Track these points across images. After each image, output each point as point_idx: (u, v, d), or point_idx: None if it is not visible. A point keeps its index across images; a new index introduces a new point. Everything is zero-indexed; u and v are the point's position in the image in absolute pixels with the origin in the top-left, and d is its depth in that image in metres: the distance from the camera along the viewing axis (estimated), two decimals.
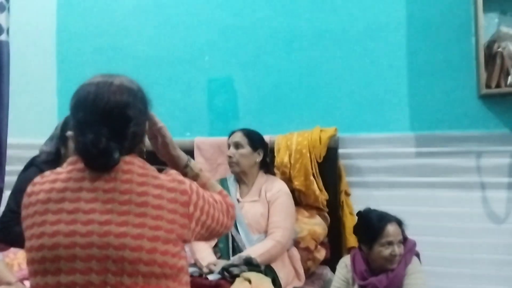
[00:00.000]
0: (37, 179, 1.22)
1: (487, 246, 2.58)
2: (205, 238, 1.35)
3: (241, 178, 2.46)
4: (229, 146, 2.46)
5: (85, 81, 1.25)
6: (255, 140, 2.45)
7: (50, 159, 2.21)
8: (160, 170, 1.26)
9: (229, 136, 2.50)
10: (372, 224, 2.17)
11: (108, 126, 1.17)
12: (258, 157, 2.44)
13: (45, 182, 1.19)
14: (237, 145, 2.42)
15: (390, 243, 2.12)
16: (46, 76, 3.34)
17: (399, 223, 2.17)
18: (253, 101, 3.03)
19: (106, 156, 1.16)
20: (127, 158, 1.20)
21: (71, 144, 2.11)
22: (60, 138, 2.24)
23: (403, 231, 2.18)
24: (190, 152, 2.93)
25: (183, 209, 1.20)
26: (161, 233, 1.14)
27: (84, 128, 1.18)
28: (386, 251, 2.12)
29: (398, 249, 2.12)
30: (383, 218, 2.17)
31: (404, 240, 2.19)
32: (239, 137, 2.44)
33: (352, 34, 2.83)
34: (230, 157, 2.42)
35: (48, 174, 1.22)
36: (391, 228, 2.14)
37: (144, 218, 1.13)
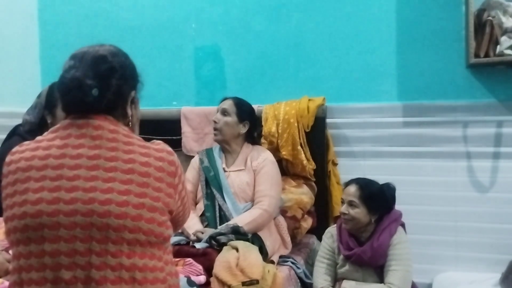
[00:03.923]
0: (16, 148, 1.20)
1: (471, 214, 2.63)
2: (179, 217, 1.33)
3: (225, 147, 2.44)
4: (217, 111, 2.44)
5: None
6: (243, 111, 2.42)
7: (33, 129, 2.16)
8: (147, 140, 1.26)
9: (220, 102, 2.48)
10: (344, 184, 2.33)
11: (93, 70, 1.19)
12: (243, 129, 2.42)
13: (25, 151, 1.17)
14: (224, 112, 2.39)
15: (342, 201, 2.23)
16: (28, 42, 3.26)
17: (362, 188, 2.18)
18: (241, 70, 2.99)
19: (86, 91, 1.17)
20: (112, 126, 1.19)
21: (59, 113, 2.06)
22: (46, 106, 2.18)
23: (373, 201, 2.17)
24: (176, 122, 2.92)
25: (170, 178, 1.20)
26: (146, 200, 1.13)
27: (71, 69, 1.20)
28: (340, 208, 2.22)
29: (345, 208, 2.17)
30: (353, 179, 2.25)
31: (389, 210, 2.21)
32: (228, 104, 2.41)
33: (341, 3, 2.79)
34: (215, 122, 2.40)
35: (28, 143, 1.20)
36: (348, 187, 2.22)
37: (130, 185, 1.12)
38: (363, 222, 2.16)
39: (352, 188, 2.19)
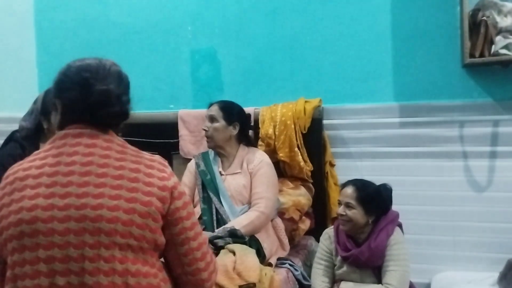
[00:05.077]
0: (16, 164, 1.22)
1: (468, 213, 2.63)
2: (175, 239, 1.24)
3: (219, 152, 2.44)
4: (206, 119, 2.44)
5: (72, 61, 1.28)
6: (230, 113, 2.41)
7: (30, 135, 2.16)
8: None
9: (207, 109, 2.48)
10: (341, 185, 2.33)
11: (121, 84, 1.24)
12: (234, 131, 2.41)
13: (23, 163, 1.20)
14: (212, 119, 2.39)
15: (339, 203, 2.23)
16: (25, 47, 3.26)
17: (359, 190, 2.17)
18: (237, 72, 2.99)
19: (123, 104, 1.22)
20: (107, 136, 1.22)
21: (55, 118, 2.07)
22: (42, 112, 2.18)
23: (370, 202, 2.17)
24: (174, 125, 2.93)
25: (162, 182, 1.21)
26: (137, 205, 1.15)
27: (95, 81, 1.20)
28: (337, 209, 2.22)
29: (343, 210, 2.17)
30: (351, 180, 2.25)
31: (386, 211, 2.22)
32: (214, 110, 2.41)
33: (336, 4, 2.79)
34: (205, 130, 2.40)
35: (28, 157, 1.23)
36: (345, 188, 2.22)
37: (120, 191, 1.14)
38: (361, 223, 2.17)
39: (349, 190, 2.20)
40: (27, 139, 2.11)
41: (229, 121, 2.39)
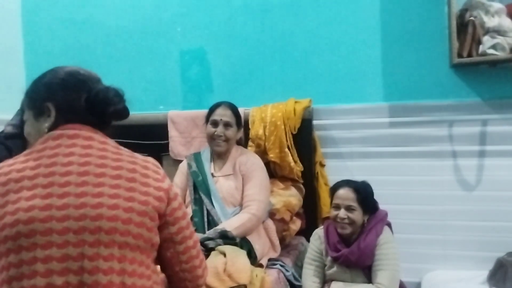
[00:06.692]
0: (2, 163, 1.20)
1: (458, 212, 2.65)
2: (174, 238, 1.27)
3: (220, 155, 2.42)
4: (212, 122, 2.39)
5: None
6: (239, 117, 2.44)
7: (14, 132, 2.11)
8: None
9: (213, 111, 2.42)
10: (331, 188, 2.29)
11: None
12: (239, 134, 2.45)
13: (15, 163, 1.18)
14: (227, 125, 2.37)
15: (337, 206, 2.19)
16: (12, 48, 3.23)
17: (357, 191, 2.17)
18: (227, 73, 2.99)
19: (125, 102, 1.25)
20: (102, 139, 1.23)
21: None
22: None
23: (368, 202, 2.18)
24: (164, 126, 2.91)
25: (157, 183, 1.23)
26: (135, 204, 1.16)
27: (93, 81, 1.26)
28: (334, 213, 2.19)
29: (344, 214, 2.15)
30: (342, 183, 2.23)
31: (375, 210, 2.22)
32: (229, 116, 2.38)
33: (325, 5, 2.80)
34: (219, 136, 2.36)
35: (17, 157, 1.21)
36: (341, 191, 2.20)
37: (118, 190, 1.15)
38: (360, 224, 2.17)
39: (348, 192, 2.18)
40: (11, 138, 2.07)
41: (239, 126, 2.42)
